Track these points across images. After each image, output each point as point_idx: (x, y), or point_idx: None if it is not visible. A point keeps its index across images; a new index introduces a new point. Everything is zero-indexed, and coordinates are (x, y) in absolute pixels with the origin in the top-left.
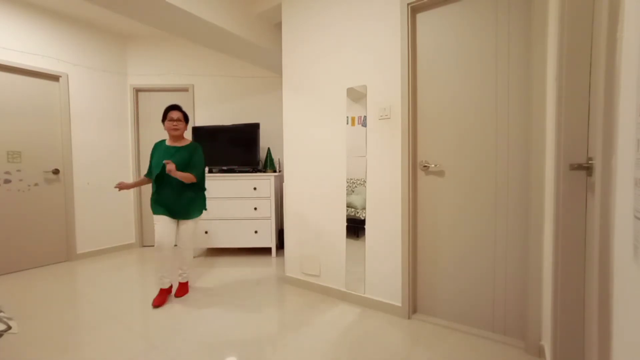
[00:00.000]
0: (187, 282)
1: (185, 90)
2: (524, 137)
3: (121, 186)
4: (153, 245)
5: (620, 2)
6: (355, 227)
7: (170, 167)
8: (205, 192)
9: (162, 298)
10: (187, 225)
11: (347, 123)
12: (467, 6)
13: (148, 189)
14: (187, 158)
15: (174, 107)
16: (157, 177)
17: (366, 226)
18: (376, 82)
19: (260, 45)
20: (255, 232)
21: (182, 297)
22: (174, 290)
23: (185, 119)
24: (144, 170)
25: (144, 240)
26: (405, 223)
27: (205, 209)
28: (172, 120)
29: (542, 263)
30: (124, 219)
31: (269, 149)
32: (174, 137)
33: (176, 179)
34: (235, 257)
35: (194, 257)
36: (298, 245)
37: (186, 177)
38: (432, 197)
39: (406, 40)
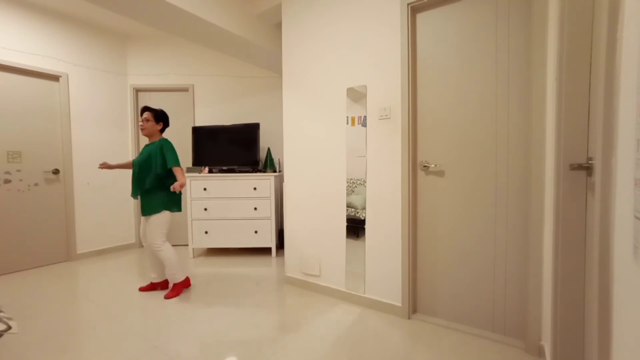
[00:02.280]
0: (173, 284)
1: (185, 90)
2: (524, 137)
3: (103, 166)
4: None
5: (620, 2)
6: (355, 227)
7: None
8: (168, 191)
9: (146, 287)
10: (147, 221)
11: (347, 123)
12: (467, 6)
13: None
14: (146, 155)
15: (143, 109)
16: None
17: (366, 226)
18: (376, 82)
19: (260, 45)
20: (255, 232)
21: (174, 298)
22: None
23: (156, 117)
24: None
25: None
26: (405, 223)
27: (168, 209)
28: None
29: (542, 263)
30: (124, 219)
31: (269, 149)
32: (146, 137)
33: (136, 176)
34: (235, 257)
35: (194, 257)
36: (298, 245)
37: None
38: (432, 197)
39: (406, 40)
